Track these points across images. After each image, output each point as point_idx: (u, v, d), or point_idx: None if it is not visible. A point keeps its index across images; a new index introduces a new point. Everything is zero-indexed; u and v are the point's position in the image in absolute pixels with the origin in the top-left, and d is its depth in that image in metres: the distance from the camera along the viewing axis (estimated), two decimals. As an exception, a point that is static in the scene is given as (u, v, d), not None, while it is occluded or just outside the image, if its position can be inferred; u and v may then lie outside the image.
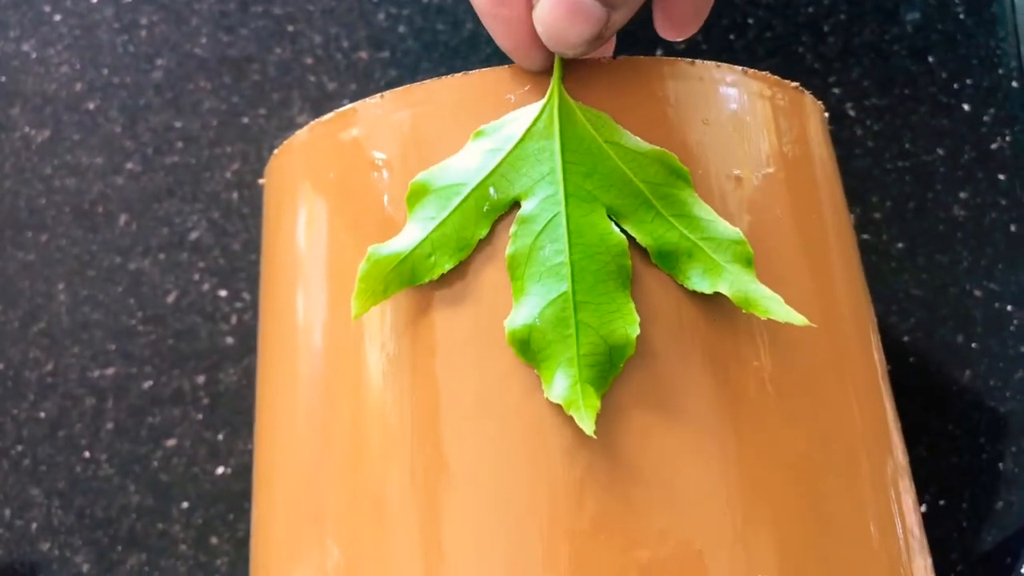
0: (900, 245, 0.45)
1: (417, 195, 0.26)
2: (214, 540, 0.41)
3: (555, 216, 0.25)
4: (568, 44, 0.25)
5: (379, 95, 0.27)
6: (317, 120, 0.29)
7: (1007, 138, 0.46)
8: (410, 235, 0.25)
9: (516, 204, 0.25)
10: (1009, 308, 0.44)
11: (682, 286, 0.25)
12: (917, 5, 0.47)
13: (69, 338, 0.44)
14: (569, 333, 0.24)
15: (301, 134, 0.29)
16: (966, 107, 0.47)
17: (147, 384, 0.43)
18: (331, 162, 0.28)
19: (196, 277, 0.44)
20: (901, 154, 0.46)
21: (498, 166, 0.25)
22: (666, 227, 0.25)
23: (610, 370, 0.24)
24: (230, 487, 0.42)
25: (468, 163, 0.26)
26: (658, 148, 0.25)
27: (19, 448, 0.43)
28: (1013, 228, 0.45)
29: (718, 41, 0.47)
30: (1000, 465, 0.42)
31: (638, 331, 0.24)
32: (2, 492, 0.42)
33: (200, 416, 0.43)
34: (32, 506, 0.42)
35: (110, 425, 0.43)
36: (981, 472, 0.42)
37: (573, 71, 0.26)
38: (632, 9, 0.25)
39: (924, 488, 0.42)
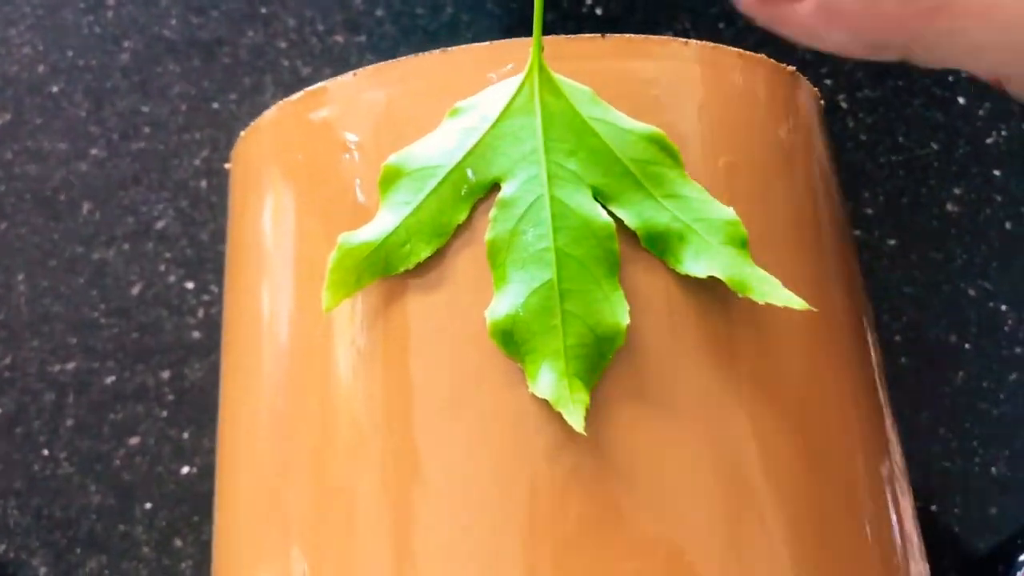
0: (892, 241, 0.44)
1: (390, 179, 0.24)
2: (178, 543, 0.40)
3: (537, 199, 0.23)
4: None
5: (351, 72, 0.26)
6: (286, 100, 0.27)
7: (1003, 133, 0.45)
8: (383, 222, 0.24)
9: (496, 186, 0.24)
10: (1003, 308, 0.43)
11: (673, 271, 0.23)
12: (912, -5, 0.46)
13: (28, 331, 0.42)
14: (555, 323, 0.22)
15: (268, 114, 0.28)
16: (961, 100, 0.46)
17: (109, 379, 0.41)
18: (300, 144, 0.27)
19: (162, 268, 0.42)
20: (894, 148, 0.45)
21: (476, 146, 0.24)
22: (656, 208, 0.23)
23: (599, 362, 0.22)
24: (195, 487, 0.40)
25: (444, 143, 0.24)
26: (646, 125, 0.24)
27: (-26, 445, 0.41)
28: (1008, 225, 0.44)
29: (707, 30, 0.45)
30: (993, 470, 0.41)
31: (628, 320, 0.22)
32: (-45, 492, 0.40)
33: (165, 413, 0.41)
34: (-13, 506, 0.40)
35: (70, 422, 0.41)
36: (974, 477, 0.41)
37: (556, 49, 0.25)
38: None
39: (916, 493, 0.41)
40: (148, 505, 0.40)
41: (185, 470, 0.40)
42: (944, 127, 0.45)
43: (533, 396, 0.22)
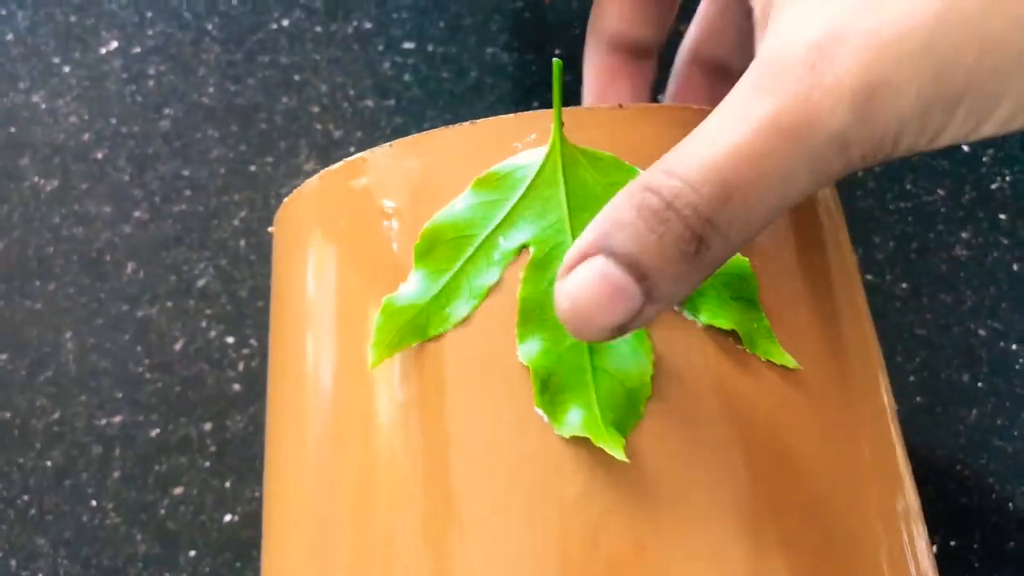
0: (904, 285, 0.45)
1: (428, 245, 0.26)
2: (221, 589, 0.41)
3: None
4: (592, 328, 0.22)
5: (388, 144, 0.28)
6: (327, 169, 0.29)
7: (1007, 178, 0.47)
8: (424, 286, 0.26)
9: (525, 248, 0.26)
10: (1014, 347, 0.44)
11: (695, 323, 0.25)
12: (915, 48, 0.48)
13: (76, 386, 0.44)
14: (586, 379, 0.24)
15: (311, 182, 0.30)
16: (965, 148, 0.47)
17: (154, 432, 0.43)
18: (341, 210, 0.28)
19: (203, 324, 0.44)
20: (902, 195, 0.46)
21: (507, 216, 0.26)
22: None
23: (630, 413, 0.24)
24: (238, 535, 0.41)
25: (476, 213, 0.26)
26: None
27: (25, 498, 0.42)
28: (1015, 267, 0.45)
29: (719, 86, 0.47)
30: (1010, 505, 0.42)
31: (651, 372, 0.24)
32: (8, 542, 0.42)
33: (207, 464, 0.42)
34: (38, 556, 0.42)
35: (117, 473, 0.42)
36: (991, 512, 0.42)
37: (577, 120, 0.27)
38: (666, 306, 0.23)
39: (934, 529, 0.42)
40: (192, 553, 0.41)
41: (228, 518, 0.42)
42: (950, 173, 0.47)
43: (564, 444, 0.24)
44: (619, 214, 0.22)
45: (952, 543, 0.41)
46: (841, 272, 0.29)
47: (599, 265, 0.22)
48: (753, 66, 0.22)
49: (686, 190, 0.21)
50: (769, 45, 0.22)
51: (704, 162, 0.21)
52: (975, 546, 0.41)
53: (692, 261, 0.22)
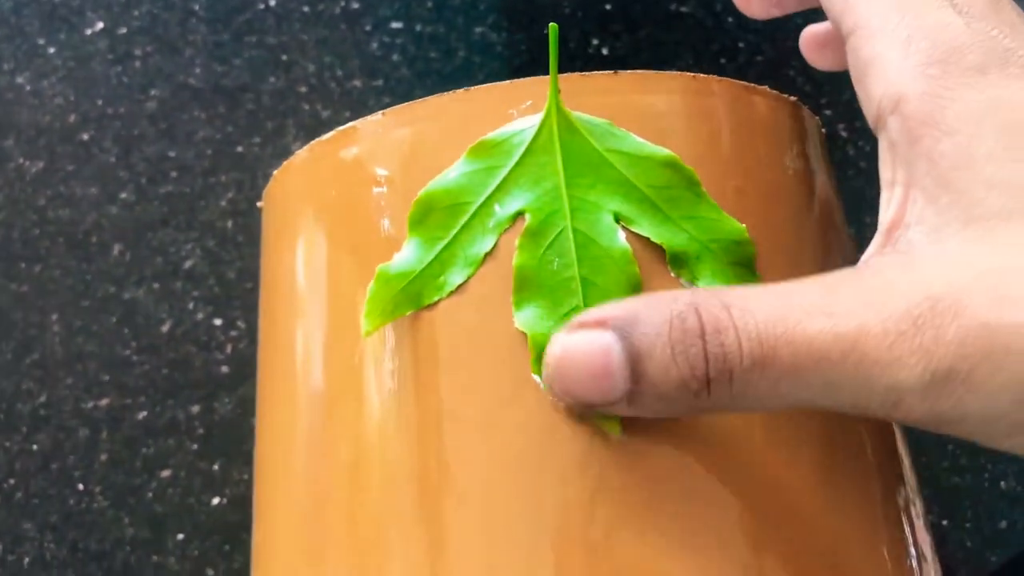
0: (895, 265, 0.45)
1: (422, 213, 0.25)
2: (210, 572, 0.41)
3: (561, 231, 0.25)
4: (562, 388, 0.22)
5: (380, 112, 0.27)
6: (317, 139, 0.29)
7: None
8: (418, 254, 0.25)
9: (520, 216, 0.25)
10: (1006, 326, 0.44)
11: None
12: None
13: (63, 369, 0.43)
14: None
15: (301, 154, 0.29)
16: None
17: (141, 415, 0.42)
18: (332, 180, 0.28)
19: (191, 306, 0.44)
20: (894, 175, 0.46)
21: (502, 183, 0.25)
22: (674, 230, 0.25)
23: None
24: (226, 517, 0.41)
25: (471, 180, 0.25)
26: (661, 150, 0.25)
27: (11, 481, 0.42)
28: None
29: (710, 65, 0.47)
30: (1003, 484, 0.42)
31: None
32: (-6, 527, 0.41)
33: (195, 446, 0.42)
34: (24, 540, 0.41)
35: (104, 456, 0.42)
36: (984, 492, 0.42)
37: (572, 85, 0.26)
38: (639, 415, 0.22)
39: (928, 509, 0.42)
40: (180, 536, 0.41)
41: (216, 501, 0.41)
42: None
43: (560, 412, 0.24)
44: (653, 311, 0.20)
45: (945, 522, 0.41)
46: (838, 247, 0.29)
47: (606, 340, 0.21)
48: (877, 261, 0.21)
49: (730, 333, 0.20)
50: (900, 253, 0.21)
51: (768, 322, 0.20)
52: (967, 525, 0.41)
53: (688, 397, 0.21)
